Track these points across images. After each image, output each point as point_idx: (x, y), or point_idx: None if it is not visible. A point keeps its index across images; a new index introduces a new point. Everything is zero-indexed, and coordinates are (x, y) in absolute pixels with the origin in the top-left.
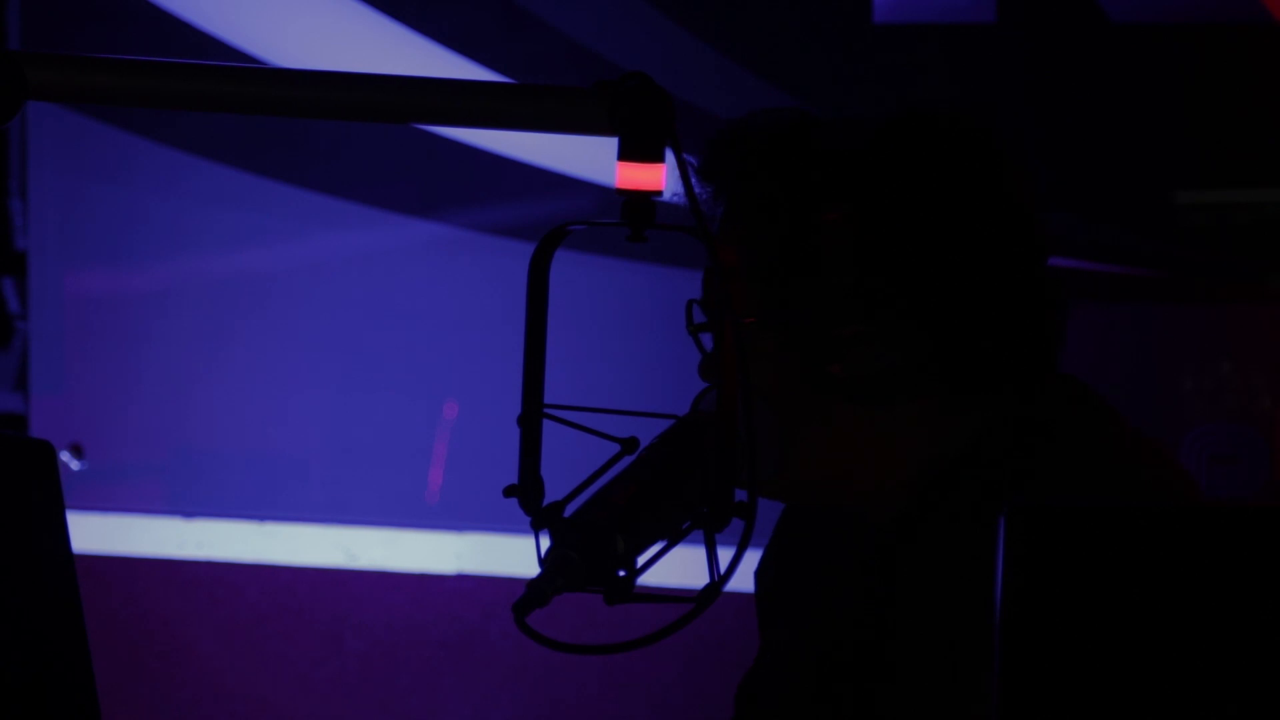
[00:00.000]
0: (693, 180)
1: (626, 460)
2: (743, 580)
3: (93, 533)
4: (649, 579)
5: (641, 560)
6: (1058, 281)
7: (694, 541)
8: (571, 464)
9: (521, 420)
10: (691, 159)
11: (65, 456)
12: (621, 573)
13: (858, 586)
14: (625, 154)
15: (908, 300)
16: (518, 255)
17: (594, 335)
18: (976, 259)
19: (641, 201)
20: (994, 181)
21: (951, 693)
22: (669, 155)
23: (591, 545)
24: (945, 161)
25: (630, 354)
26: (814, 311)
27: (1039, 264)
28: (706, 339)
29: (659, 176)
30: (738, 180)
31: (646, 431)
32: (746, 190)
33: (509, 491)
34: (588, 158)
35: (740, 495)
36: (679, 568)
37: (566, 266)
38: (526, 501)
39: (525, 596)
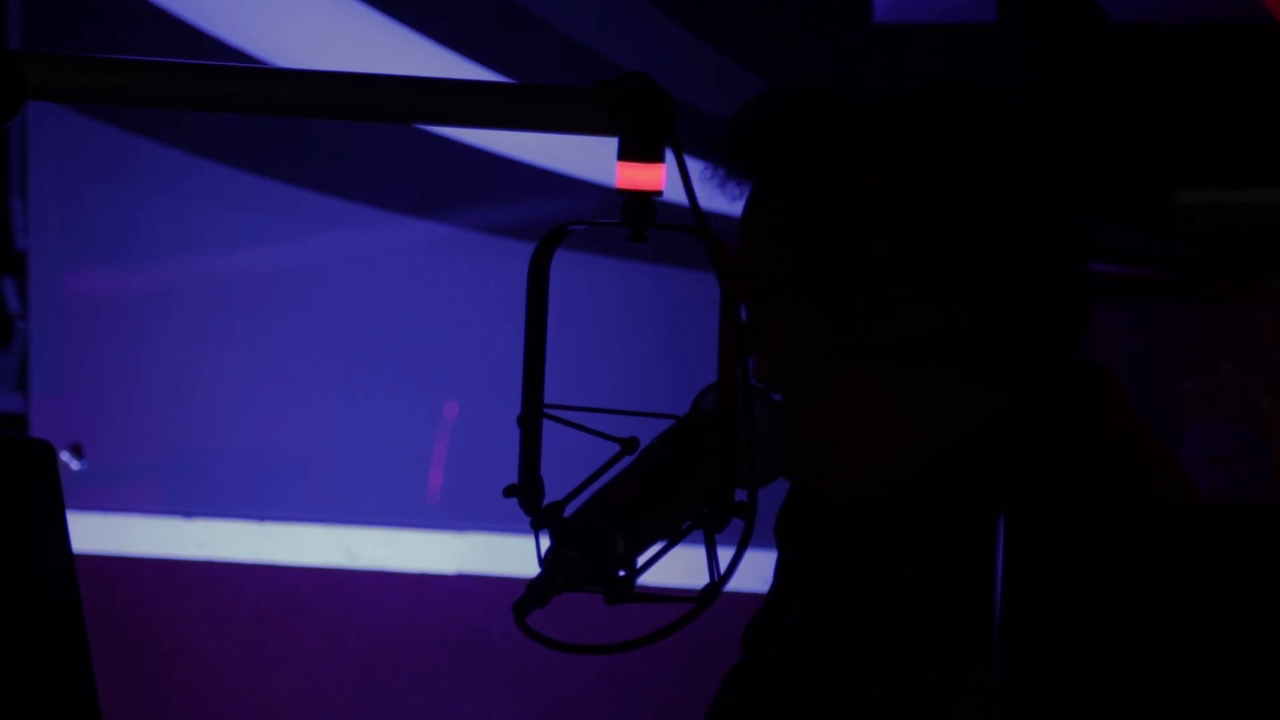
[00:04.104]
0: (710, 162)
1: (626, 460)
2: (743, 580)
3: (93, 533)
4: (649, 579)
5: (641, 560)
6: (1085, 265)
7: (694, 541)
8: (571, 464)
9: (521, 420)
10: (692, 158)
11: (65, 456)
12: (621, 573)
13: (858, 572)
14: (625, 154)
15: (946, 265)
16: (518, 255)
17: (594, 335)
18: (1011, 227)
19: (642, 201)
20: (1027, 154)
21: (948, 685)
22: (669, 155)
23: (591, 545)
24: (983, 128)
25: (630, 354)
26: (857, 273)
27: (1070, 244)
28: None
29: (659, 176)
30: (776, 146)
31: (646, 431)
32: (785, 155)
33: (509, 491)
34: (588, 158)
35: (740, 495)
36: (679, 568)
37: (566, 266)
38: (526, 501)
39: (525, 596)
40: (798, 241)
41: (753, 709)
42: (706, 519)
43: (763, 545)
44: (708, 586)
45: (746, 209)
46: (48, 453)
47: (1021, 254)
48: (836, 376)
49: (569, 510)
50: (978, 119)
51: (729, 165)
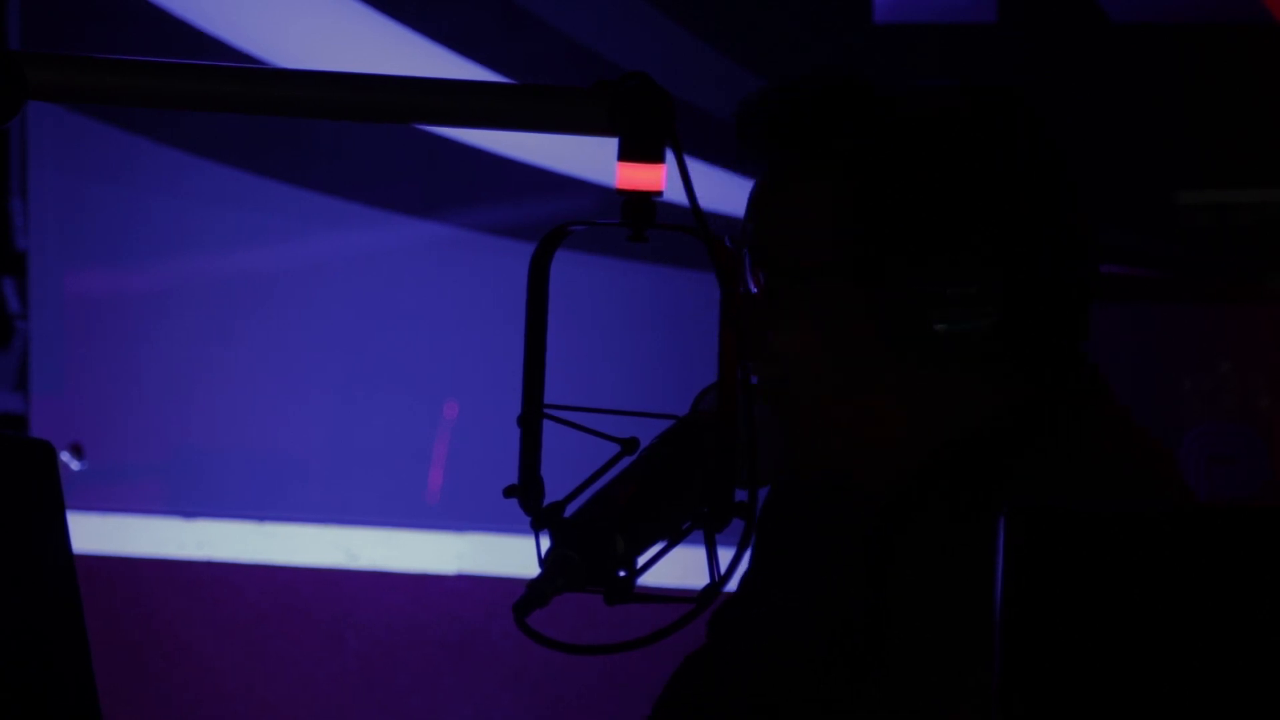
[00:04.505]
0: (746, 127)
1: (626, 460)
2: None
3: (93, 533)
4: (649, 579)
5: (641, 560)
6: (1097, 267)
7: (694, 541)
8: (571, 464)
9: (521, 420)
10: (692, 159)
11: (65, 456)
12: (621, 573)
13: (858, 571)
14: (625, 154)
15: (1006, 265)
16: (518, 255)
17: (594, 335)
18: (1056, 228)
19: (642, 201)
20: (1060, 153)
21: (949, 685)
22: (670, 155)
23: (591, 545)
24: (1038, 128)
25: (630, 354)
26: (922, 267)
27: (1085, 245)
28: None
29: (659, 176)
30: (839, 126)
31: (646, 431)
32: (852, 138)
33: (509, 491)
34: (588, 158)
35: (740, 495)
36: (679, 568)
37: (566, 266)
38: (526, 501)
39: (525, 597)
40: (861, 227)
41: (728, 695)
42: (706, 519)
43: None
44: (708, 586)
45: (787, 184)
46: (48, 453)
47: (1055, 255)
48: (860, 368)
49: (569, 510)
50: (1034, 119)
51: (770, 138)
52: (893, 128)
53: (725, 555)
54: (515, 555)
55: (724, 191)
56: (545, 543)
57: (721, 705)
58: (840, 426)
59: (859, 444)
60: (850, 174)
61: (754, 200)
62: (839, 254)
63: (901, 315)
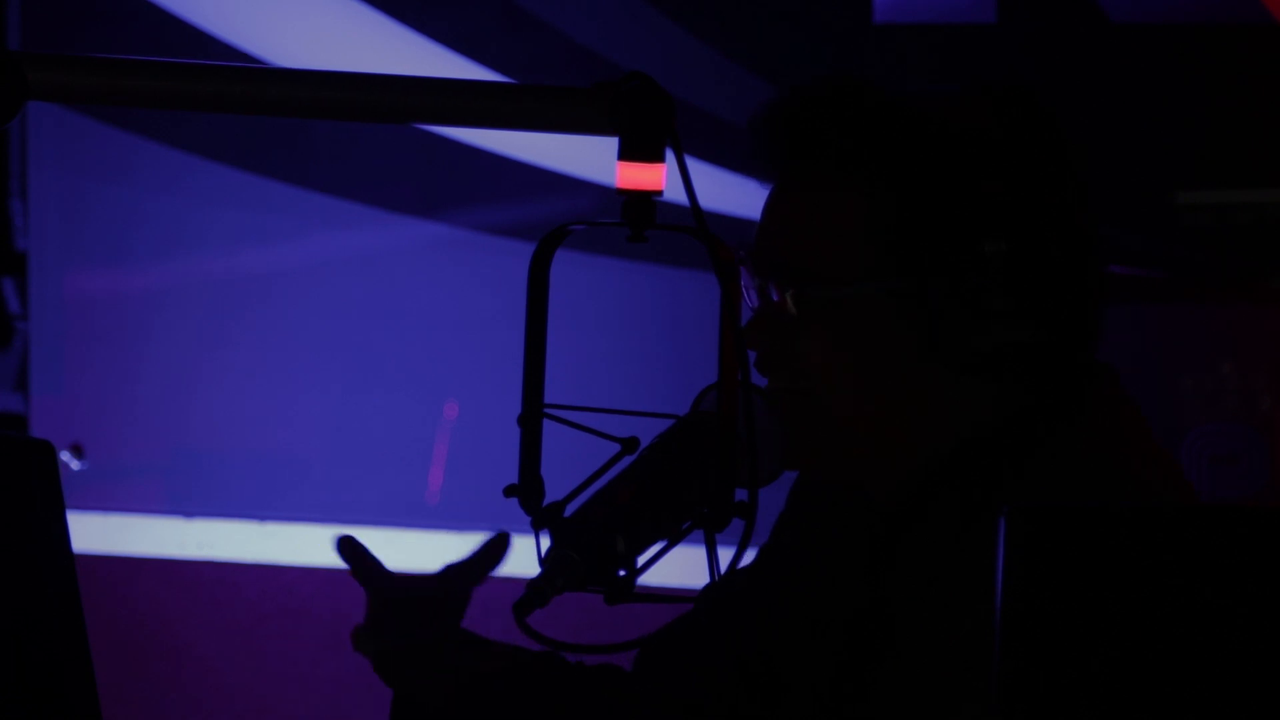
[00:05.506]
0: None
1: (627, 460)
2: None
3: (93, 533)
4: (649, 579)
5: (642, 560)
6: (1107, 269)
7: (694, 541)
8: (571, 464)
9: (521, 420)
10: (692, 159)
11: (65, 456)
12: (622, 573)
13: (861, 573)
14: (626, 154)
15: (1049, 278)
16: (518, 255)
17: (594, 335)
18: (1079, 233)
19: (642, 201)
20: (1081, 154)
21: (952, 687)
22: (670, 155)
23: (592, 545)
24: (1062, 134)
25: (630, 354)
26: (962, 282)
27: (1098, 248)
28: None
29: (659, 176)
30: (867, 136)
31: (646, 431)
32: (881, 148)
33: (509, 491)
34: (588, 158)
35: (740, 495)
36: (679, 568)
37: (566, 266)
38: (527, 501)
39: (525, 596)
40: (897, 241)
41: (714, 663)
42: (706, 519)
43: (763, 544)
44: (708, 586)
45: (810, 193)
46: (48, 453)
47: (1077, 258)
48: (886, 376)
49: (569, 510)
50: (1054, 120)
51: (789, 147)
52: (917, 134)
53: (725, 555)
54: (515, 555)
55: (724, 191)
56: (545, 543)
57: (711, 665)
58: (859, 433)
59: (873, 449)
60: (879, 183)
61: (773, 210)
62: (873, 265)
63: (943, 327)
